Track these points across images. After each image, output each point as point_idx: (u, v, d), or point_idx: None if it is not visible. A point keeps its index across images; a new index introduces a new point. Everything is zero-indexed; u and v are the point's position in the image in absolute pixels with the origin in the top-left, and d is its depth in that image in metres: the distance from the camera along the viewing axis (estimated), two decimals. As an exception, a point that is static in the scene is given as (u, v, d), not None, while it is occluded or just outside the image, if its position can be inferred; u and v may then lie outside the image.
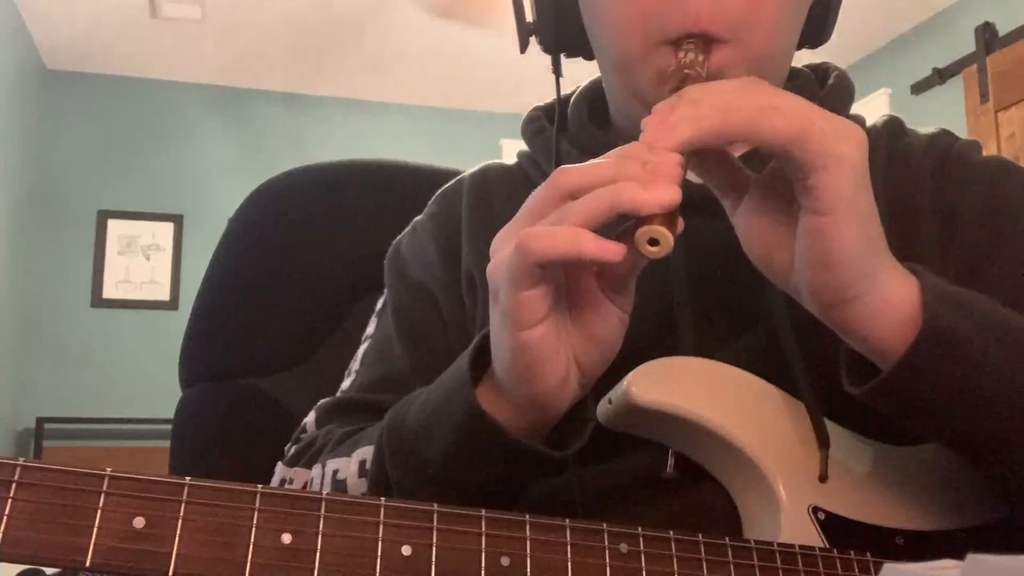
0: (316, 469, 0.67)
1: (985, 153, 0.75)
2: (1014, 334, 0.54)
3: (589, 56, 0.74)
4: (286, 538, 0.45)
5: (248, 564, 0.44)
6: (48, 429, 4.59)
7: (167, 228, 5.08)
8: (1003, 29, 3.96)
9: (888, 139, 0.74)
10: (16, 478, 0.41)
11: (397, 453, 0.60)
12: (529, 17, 0.74)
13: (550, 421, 0.56)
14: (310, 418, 0.75)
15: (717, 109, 0.50)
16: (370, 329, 0.81)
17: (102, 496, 0.43)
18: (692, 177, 0.65)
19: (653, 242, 0.47)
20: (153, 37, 4.67)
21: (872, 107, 4.53)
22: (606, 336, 0.53)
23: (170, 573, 0.43)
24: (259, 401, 0.98)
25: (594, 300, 0.53)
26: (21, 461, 0.42)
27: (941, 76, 4.26)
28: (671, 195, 0.47)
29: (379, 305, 0.82)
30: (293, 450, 0.73)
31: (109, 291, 4.97)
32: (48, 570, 0.76)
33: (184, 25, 4.54)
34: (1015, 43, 3.88)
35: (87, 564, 0.41)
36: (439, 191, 0.84)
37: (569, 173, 0.50)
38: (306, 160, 1.10)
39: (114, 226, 5.02)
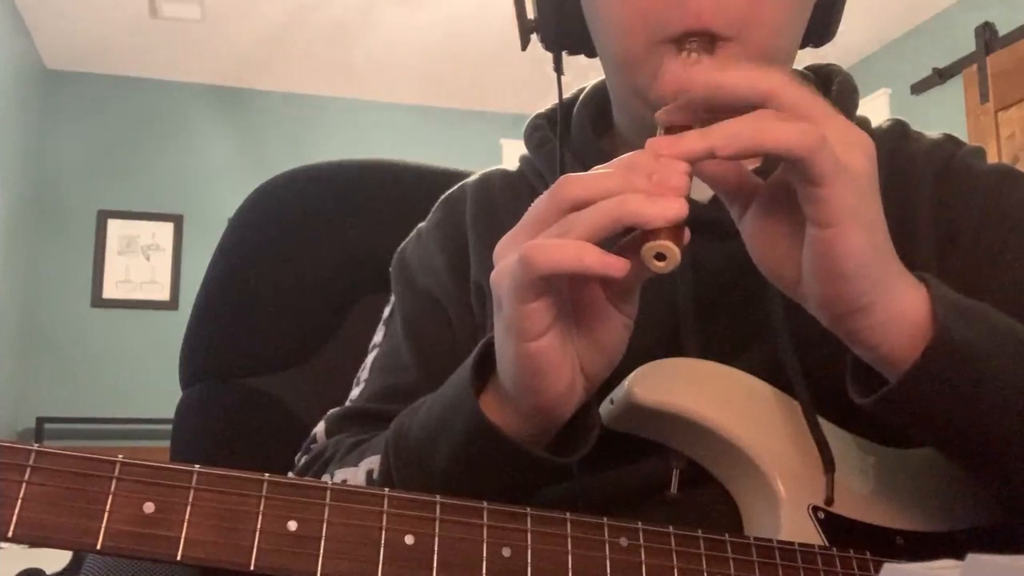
0: (325, 479, 0.67)
1: (985, 152, 0.75)
2: (1022, 346, 0.54)
3: (591, 54, 0.74)
4: (292, 525, 0.46)
5: (255, 550, 0.45)
6: (48, 429, 4.60)
7: (167, 228, 5.09)
8: (1003, 29, 3.96)
9: (891, 145, 0.74)
10: (31, 463, 0.43)
11: (403, 462, 0.60)
12: (530, 14, 0.74)
13: (555, 427, 0.55)
14: (320, 428, 0.75)
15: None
16: (378, 337, 0.81)
17: (113, 481, 0.44)
18: (697, 195, 0.64)
19: (660, 257, 0.47)
20: (153, 37, 4.68)
21: (872, 107, 4.53)
22: (611, 343, 0.53)
23: (178, 557, 0.44)
24: (259, 401, 0.98)
25: (599, 308, 0.52)
26: (35, 447, 0.43)
27: (941, 76, 4.27)
28: (677, 208, 0.47)
29: (386, 313, 0.82)
30: (303, 460, 0.73)
31: (109, 291, 4.98)
32: (48, 570, 0.76)
33: (184, 25, 4.54)
34: (1015, 43, 3.88)
35: (98, 547, 0.42)
36: (442, 197, 0.83)
37: (573, 183, 0.49)
38: (306, 160, 1.10)
39: (114, 226, 5.03)
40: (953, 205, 0.70)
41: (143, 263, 5.05)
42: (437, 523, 0.48)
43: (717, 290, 0.68)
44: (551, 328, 0.50)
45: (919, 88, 4.42)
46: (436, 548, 0.48)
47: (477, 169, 0.87)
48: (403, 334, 0.76)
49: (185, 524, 0.44)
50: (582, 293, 0.52)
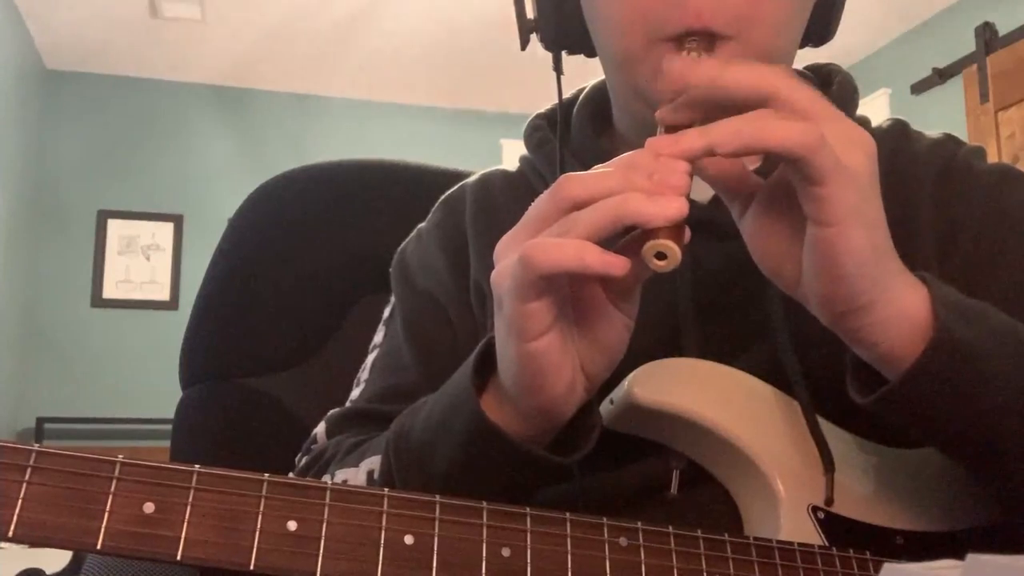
0: (325, 479, 0.67)
1: (985, 152, 0.75)
2: (1022, 346, 0.54)
3: (591, 53, 0.74)
4: (292, 525, 0.46)
5: (254, 550, 0.45)
6: (48, 429, 4.60)
7: (167, 228, 5.09)
8: (1003, 29, 3.97)
9: (892, 145, 0.73)
10: (31, 463, 0.43)
11: (404, 463, 0.60)
12: (530, 14, 0.74)
13: (555, 427, 0.55)
14: (320, 428, 0.75)
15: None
16: (378, 338, 0.81)
17: (114, 481, 0.44)
18: (697, 195, 0.64)
19: (660, 256, 0.47)
20: (153, 37, 4.68)
21: (872, 107, 4.53)
22: (612, 342, 0.53)
23: (178, 557, 0.44)
24: (259, 401, 0.98)
25: (600, 307, 0.52)
26: (36, 447, 0.43)
27: (941, 76, 4.27)
28: (678, 208, 0.47)
29: (386, 313, 0.82)
30: (304, 461, 0.73)
31: (109, 291, 4.98)
32: (48, 570, 0.76)
33: (184, 25, 4.54)
34: (1015, 43, 3.88)
35: (98, 547, 0.42)
36: (442, 197, 0.83)
37: (573, 183, 0.49)
38: (306, 160, 1.10)
39: (114, 226, 5.03)
40: (954, 205, 0.70)
41: (143, 263, 5.05)
42: (437, 523, 0.49)
43: (717, 290, 0.68)
44: (552, 328, 0.50)
45: (919, 88, 4.42)
46: (436, 548, 0.48)
47: (477, 169, 0.87)
48: (403, 334, 0.76)
49: (185, 524, 0.44)
50: (583, 293, 0.52)
